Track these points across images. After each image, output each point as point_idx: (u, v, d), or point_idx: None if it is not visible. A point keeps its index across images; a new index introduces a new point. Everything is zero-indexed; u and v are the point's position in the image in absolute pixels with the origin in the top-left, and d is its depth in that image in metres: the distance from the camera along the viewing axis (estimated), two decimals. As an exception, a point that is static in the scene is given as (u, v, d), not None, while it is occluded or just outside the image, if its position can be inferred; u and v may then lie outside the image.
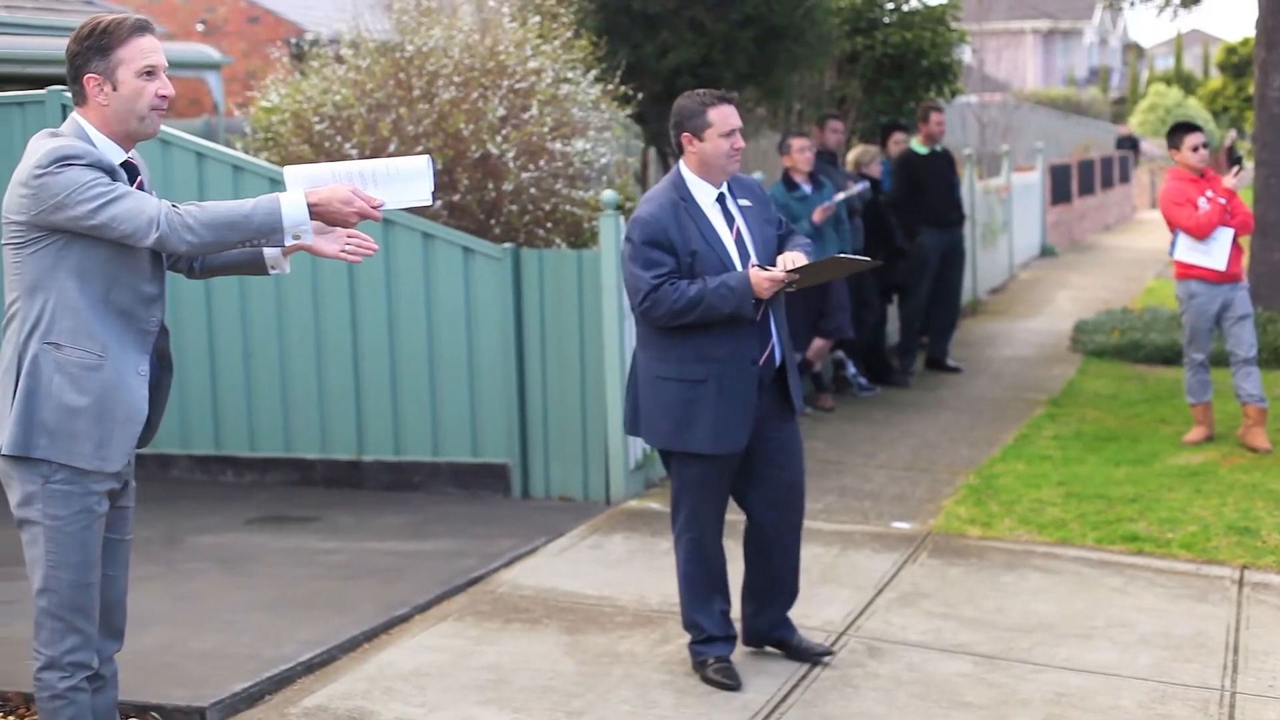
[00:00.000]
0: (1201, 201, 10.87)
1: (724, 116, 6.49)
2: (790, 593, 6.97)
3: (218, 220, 4.74)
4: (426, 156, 5.10)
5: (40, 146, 4.77)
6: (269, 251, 5.20)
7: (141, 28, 4.85)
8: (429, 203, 5.06)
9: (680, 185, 6.55)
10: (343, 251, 4.97)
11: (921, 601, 7.79)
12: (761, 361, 6.54)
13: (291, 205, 4.78)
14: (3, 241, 4.87)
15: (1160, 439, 11.33)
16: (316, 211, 4.82)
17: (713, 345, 6.44)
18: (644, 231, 6.42)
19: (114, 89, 4.82)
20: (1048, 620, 7.49)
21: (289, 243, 4.85)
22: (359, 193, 4.86)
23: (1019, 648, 7.11)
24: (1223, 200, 10.85)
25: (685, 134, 6.54)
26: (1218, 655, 7.06)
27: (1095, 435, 11.63)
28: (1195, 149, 10.99)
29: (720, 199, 6.58)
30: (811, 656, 6.92)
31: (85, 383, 4.81)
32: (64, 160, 4.69)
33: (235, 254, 5.19)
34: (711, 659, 6.72)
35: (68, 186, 4.66)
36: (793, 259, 6.38)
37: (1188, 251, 10.98)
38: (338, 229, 4.98)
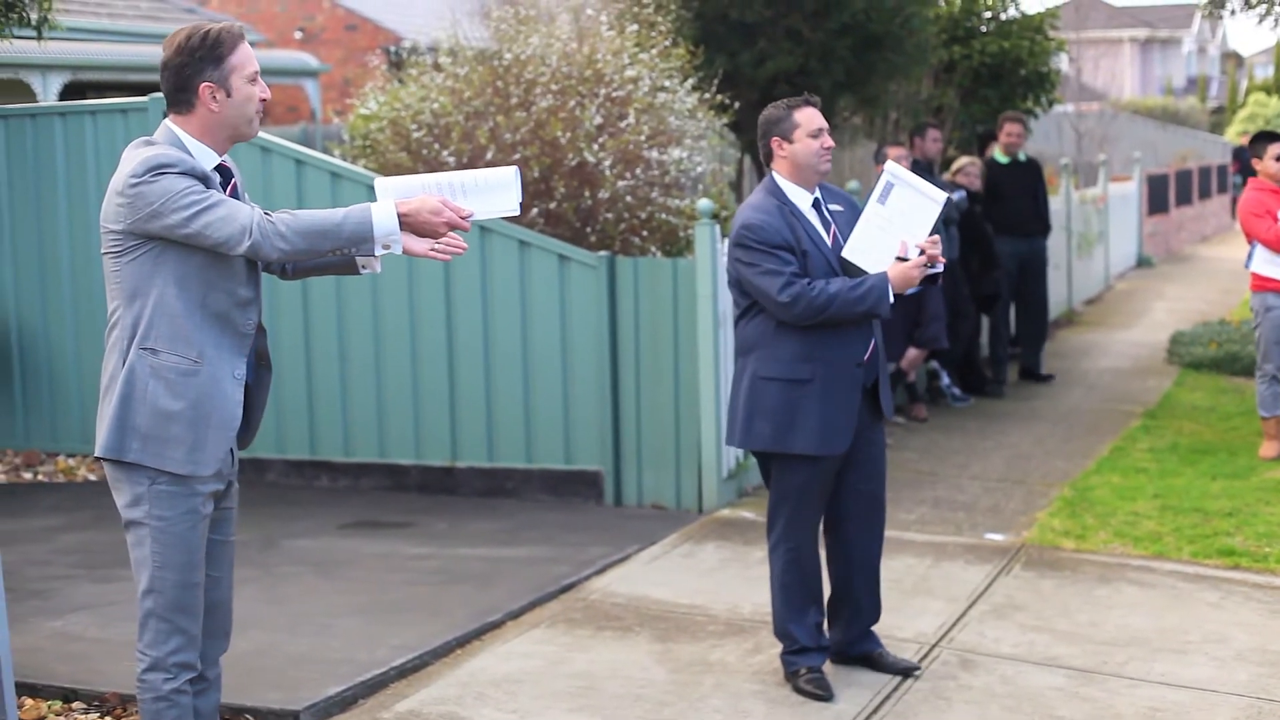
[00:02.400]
0: (1281, 213, 10.77)
1: (809, 117, 6.55)
2: (874, 606, 6.97)
3: (310, 229, 4.80)
4: (514, 168, 5.13)
5: (135, 156, 4.84)
6: (365, 262, 5.23)
7: (242, 35, 4.98)
8: (516, 212, 5.09)
9: (777, 191, 6.57)
10: (432, 250, 4.97)
11: (1015, 614, 7.75)
12: (865, 362, 6.57)
13: (382, 215, 4.82)
14: (102, 250, 4.95)
15: (1257, 452, 11.20)
16: (406, 222, 4.85)
17: (820, 346, 6.47)
18: (762, 236, 6.43)
19: (228, 95, 4.92)
20: (1142, 635, 7.43)
21: (379, 252, 4.91)
22: (448, 203, 4.89)
23: (1113, 662, 7.06)
24: None
25: (774, 139, 6.59)
26: (1316, 672, 6.99)
27: (1191, 448, 11.53)
28: (1278, 158, 10.88)
29: (815, 204, 6.62)
30: (898, 671, 6.90)
31: (180, 388, 4.87)
32: (159, 169, 4.76)
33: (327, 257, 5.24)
34: (804, 669, 6.71)
35: (162, 195, 4.73)
36: (916, 241, 6.38)
37: (1264, 264, 10.87)
38: (439, 229, 4.98)
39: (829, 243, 6.55)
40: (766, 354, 6.55)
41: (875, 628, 7.00)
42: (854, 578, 6.87)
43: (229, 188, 5.02)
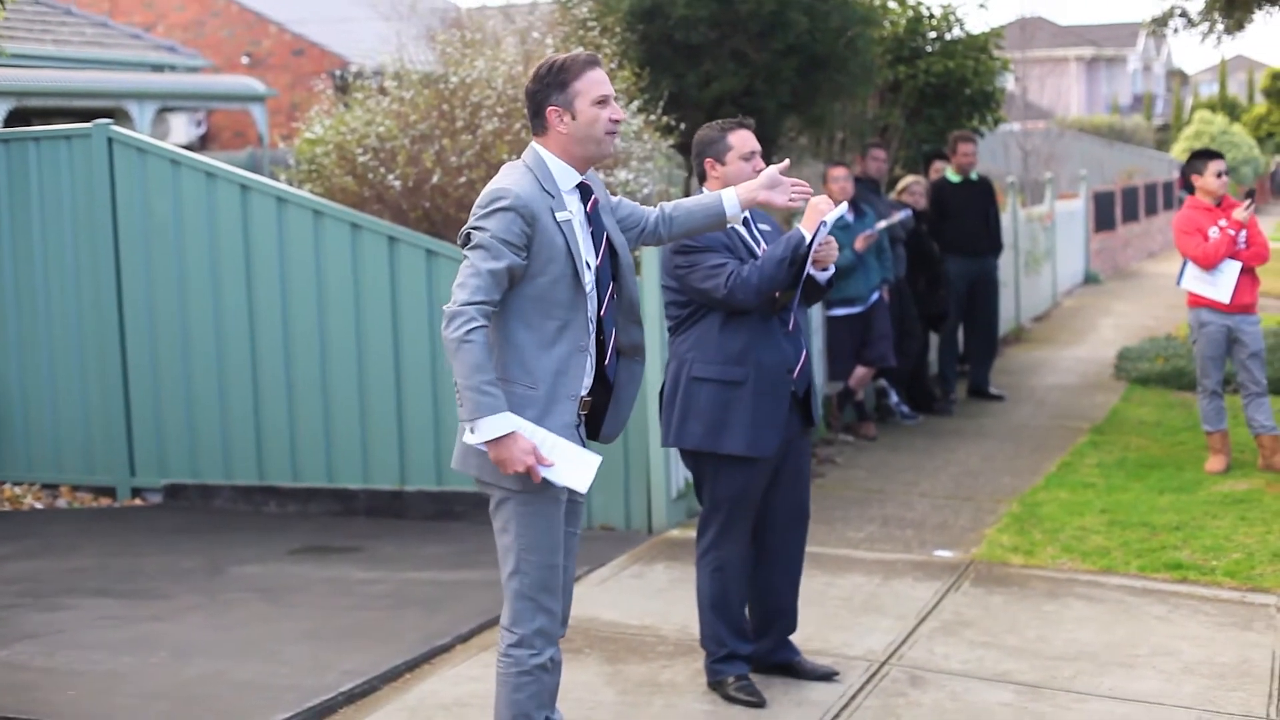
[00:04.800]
0: (1213, 231, 10.84)
1: (743, 139, 6.65)
2: (793, 615, 7.05)
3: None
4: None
5: (490, 184, 5.31)
6: (730, 210, 5.79)
7: (591, 62, 5.37)
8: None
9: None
10: (790, 201, 5.78)
11: (964, 630, 7.76)
12: (796, 373, 6.65)
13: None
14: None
15: (1204, 467, 11.26)
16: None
17: (752, 349, 6.57)
18: (699, 240, 6.48)
19: (573, 118, 5.31)
20: (1091, 649, 7.46)
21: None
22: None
23: (1062, 677, 7.08)
24: (1232, 231, 10.80)
25: (708, 159, 6.70)
26: (1263, 683, 7.01)
27: (1139, 463, 11.59)
28: (1218, 175, 10.97)
29: (745, 223, 6.73)
30: (817, 677, 6.97)
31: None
32: (491, 203, 5.19)
33: (698, 219, 5.84)
34: (731, 677, 6.78)
35: (488, 236, 5.17)
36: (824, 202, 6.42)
37: (1194, 281, 10.97)
38: (783, 181, 5.79)
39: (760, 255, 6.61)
40: (701, 356, 6.64)
41: (823, 645, 7.03)
42: (778, 586, 6.97)
43: (589, 203, 5.41)
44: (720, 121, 6.75)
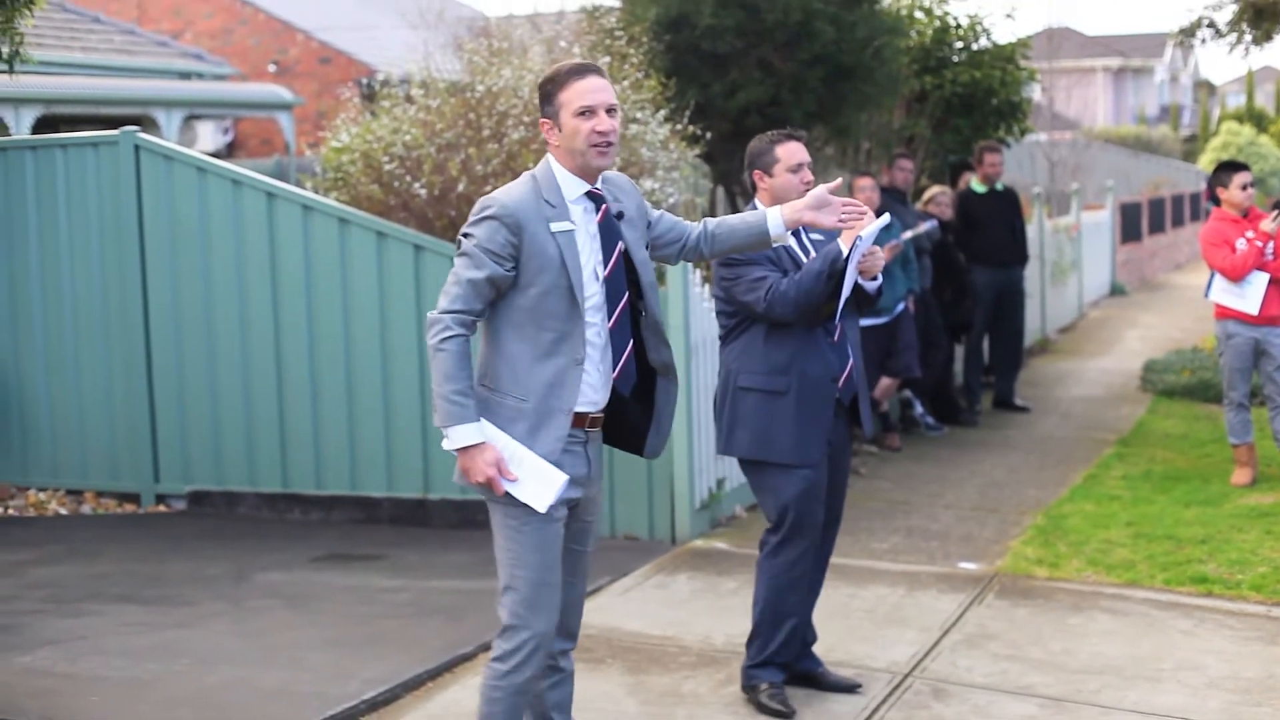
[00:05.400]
0: (1240, 243, 10.83)
1: (790, 152, 6.65)
2: (809, 623, 7.04)
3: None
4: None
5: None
6: (775, 230, 5.71)
7: (578, 71, 5.26)
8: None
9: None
10: (839, 221, 5.67)
11: (988, 643, 7.74)
12: (841, 382, 6.66)
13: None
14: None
15: (1230, 479, 11.21)
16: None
17: (797, 359, 6.59)
18: (744, 254, 6.50)
19: (559, 130, 5.24)
20: (1115, 662, 7.43)
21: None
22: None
23: (1086, 690, 7.05)
24: (1260, 243, 10.77)
25: (756, 171, 6.73)
26: (1288, 699, 6.99)
27: (1164, 475, 11.55)
28: (1244, 187, 10.95)
29: (795, 232, 6.68)
30: (841, 689, 6.96)
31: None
32: (480, 211, 5.18)
33: (741, 237, 5.78)
34: (765, 684, 6.77)
35: (473, 244, 5.16)
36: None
37: (1222, 293, 10.95)
38: (832, 201, 5.66)
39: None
40: (746, 366, 6.68)
41: (846, 656, 7.01)
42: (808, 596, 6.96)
43: (600, 211, 5.30)
44: (771, 133, 6.78)
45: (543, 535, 5.22)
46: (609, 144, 5.22)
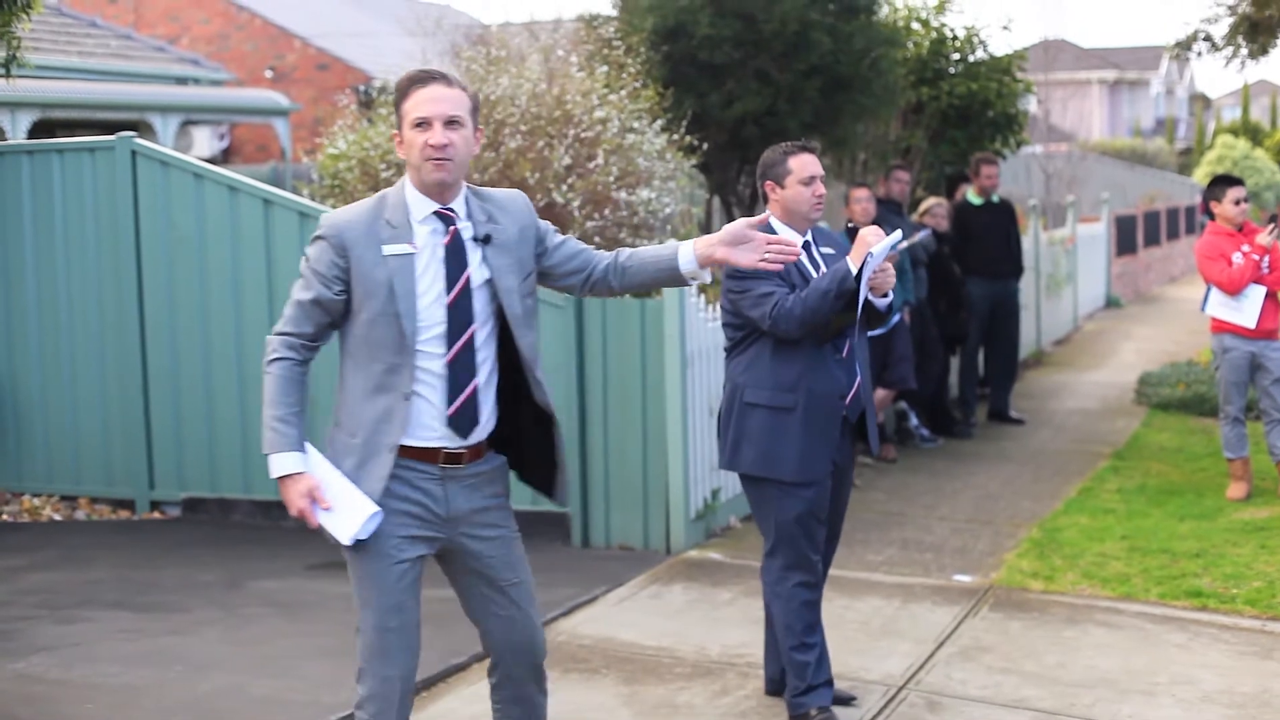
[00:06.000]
0: (1236, 256, 10.85)
1: (803, 164, 6.62)
2: None
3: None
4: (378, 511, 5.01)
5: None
6: (685, 266, 5.08)
7: (418, 80, 4.90)
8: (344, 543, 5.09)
9: (770, 231, 6.59)
10: (761, 261, 5.03)
11: (982, 656, 7.74)
12: (848, 400, 6.63)
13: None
14: None
15: (1225, 493, 11.22)
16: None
17: (805, 376, 6.53)
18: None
19: (402, 141, 4.91)
20: (1110, 676, 7.43)
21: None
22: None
23: (1081, 704, 7.05)
24: (1256, 257, 10.79)
25: (768, 182, 6.68)
26: (1283, 714, 6.99)
27: (1159, 489, 11.56)
28: (1237, 202, 10.97)
29: (805, 246, 6.66)
30: (836, 702, 6.89)
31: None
32: (315, 236, 4.92)
33: (651, 272, 5.16)
34: (814, 709, 6.65)
35: (305, 265, 4.95)
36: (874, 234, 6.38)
37: (1219, 307, 10.97)
38: (754, 237, 5.02)
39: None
40: (753, 381, 6.62)
41: (841, 668, 7.00)
42: None
43: (449, 232, 4.90)
44: (784, 144, 6.74)
45: (384, 576, 5.03)
46: (444, 159, 4.81)
